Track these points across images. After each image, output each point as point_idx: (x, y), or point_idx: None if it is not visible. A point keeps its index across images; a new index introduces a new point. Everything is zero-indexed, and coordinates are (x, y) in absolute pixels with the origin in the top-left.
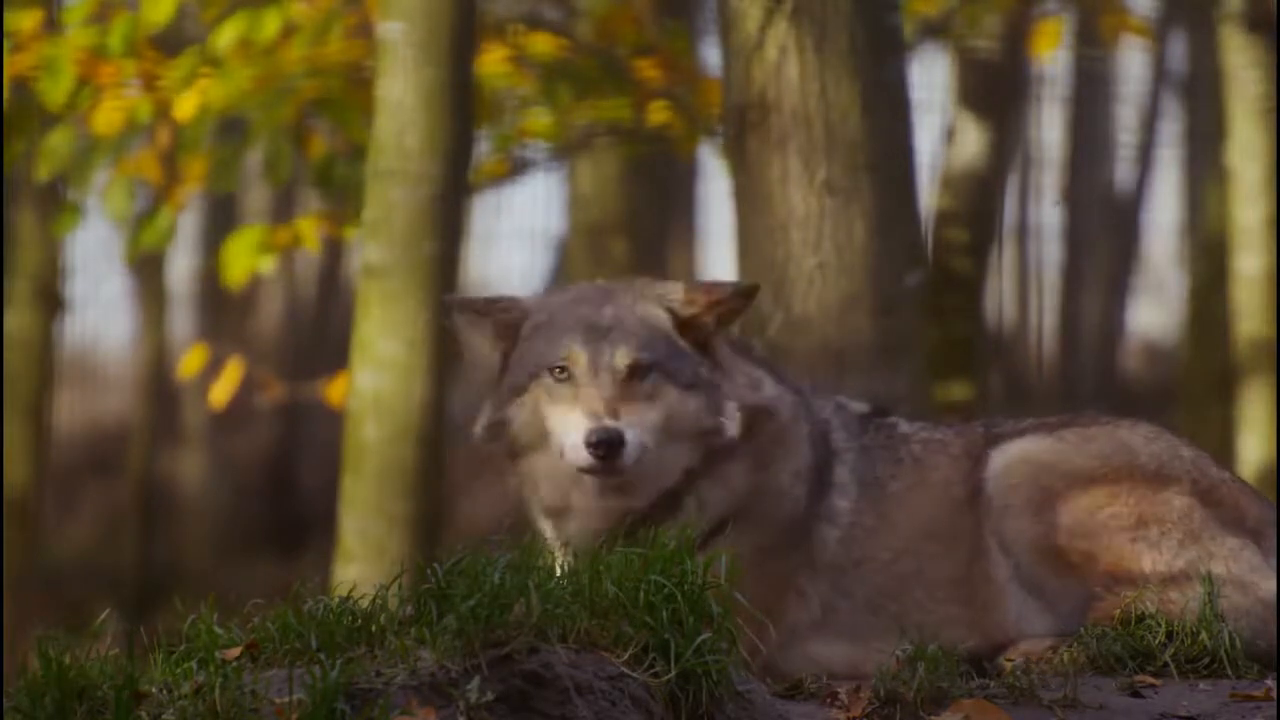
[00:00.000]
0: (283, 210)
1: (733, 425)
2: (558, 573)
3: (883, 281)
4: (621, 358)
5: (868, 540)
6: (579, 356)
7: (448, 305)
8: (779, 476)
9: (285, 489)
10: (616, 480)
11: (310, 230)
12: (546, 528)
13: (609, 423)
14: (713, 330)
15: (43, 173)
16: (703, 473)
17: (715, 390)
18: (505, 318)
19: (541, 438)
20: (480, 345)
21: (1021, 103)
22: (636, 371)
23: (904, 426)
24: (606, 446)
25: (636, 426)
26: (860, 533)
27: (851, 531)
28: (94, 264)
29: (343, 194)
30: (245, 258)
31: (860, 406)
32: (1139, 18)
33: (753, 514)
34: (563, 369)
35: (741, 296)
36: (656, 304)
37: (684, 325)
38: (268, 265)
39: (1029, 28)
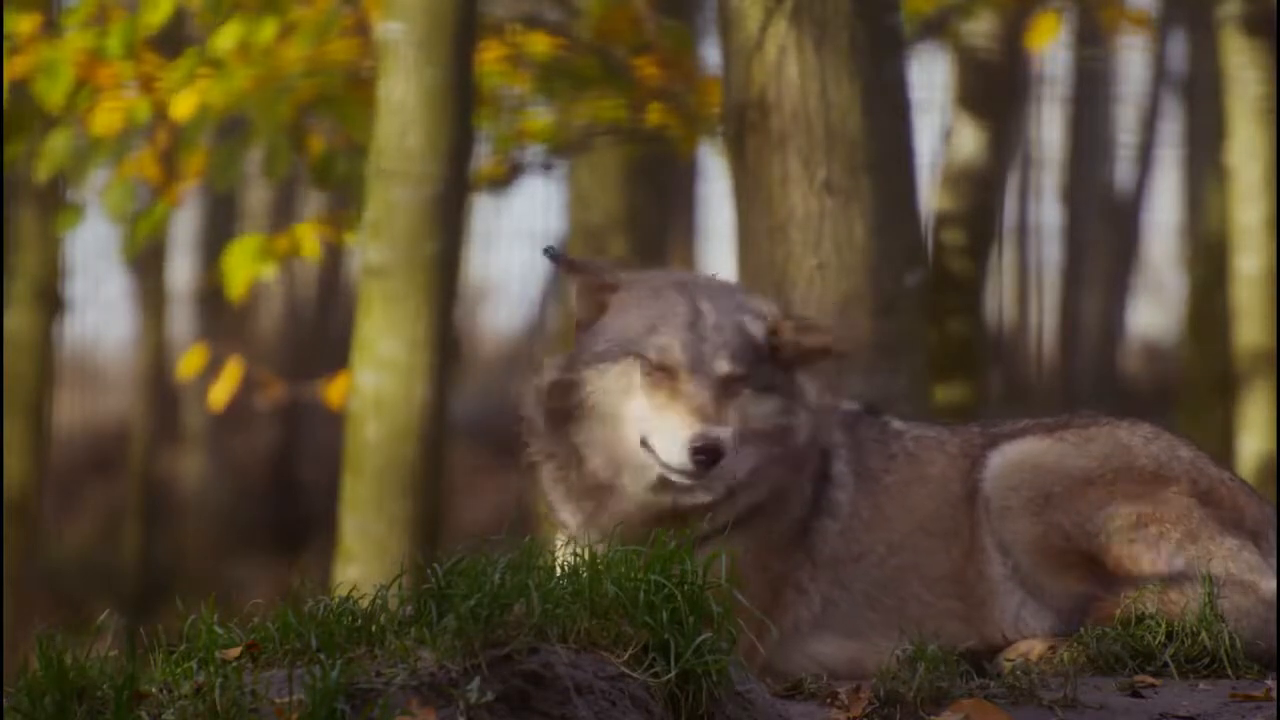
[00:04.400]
0: (283, 210)
1: (804, 432)
2: (565, 565)
3: (883, 281)
4: (721, 364)
5: (865, 533)
6: (679, 356)
7: (548, 252)
8: (805, 475)
9: (285, 489)
10: (697, 483)
11: (309, 237)
12: (569, 512)
13: (715, 431)
14: (793, 361)
15: (42, 174)
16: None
17: (789, 398)
18: (593, 281)
19: (616, 413)
20: (571, 300)
21: (1021, 103)
22: (731, 380)
23: (896, 424)
24: (711, 454)
25: (731, 437)
26: (858, 524)
27: (850, 523)
28: (94, 264)
29: (343, 191)
30: (246, 267)
31: (852, 405)
32: (1138, 10)
33: (769, 511)
34: (660, 363)
35: (824, 353)
36: (754, 316)
37: (779, 341)
38: (269, 273)
39: (1027, 22)
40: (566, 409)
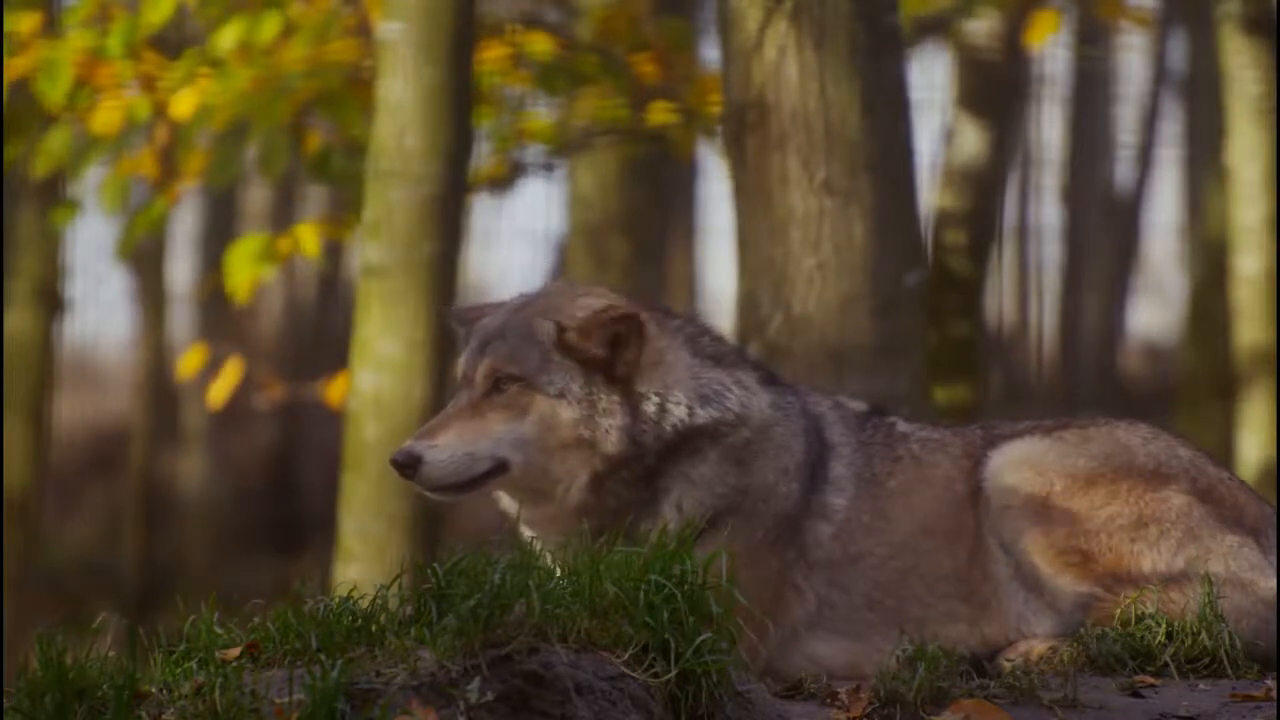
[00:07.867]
0: (282, 210)
1: (610, 439)
2: (557, 572)
3: (882, 281)
4: (484, 368)
5: (865, 536)
6: (461, 366)
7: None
8: (764, 474)
9: (285, 489)
10: (446, 496)
11: (310, 236)
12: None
13: (417, 447)
14: (604, 356)
15: (40, 169)
16: (642, 479)
17: (591, 405)
18: (463, 329)
19: None
20: None
21: (1021, 102)
22: (497, 382)
23: (902, 426)
24: (405, 462)
25: (452, 446)
26: (857, 528)
27: (847, 527)
28: (94, 264)
29: (340, 188)
30: (247, 268)
31: (859, 406)
32: (1137, 7)
33: (741, 511)
34: (459, 380)
35: (618, 322)
36: (548, 317)
37: (568, 345)
38: (270, 274)
39: (1027, 20)
40: None
